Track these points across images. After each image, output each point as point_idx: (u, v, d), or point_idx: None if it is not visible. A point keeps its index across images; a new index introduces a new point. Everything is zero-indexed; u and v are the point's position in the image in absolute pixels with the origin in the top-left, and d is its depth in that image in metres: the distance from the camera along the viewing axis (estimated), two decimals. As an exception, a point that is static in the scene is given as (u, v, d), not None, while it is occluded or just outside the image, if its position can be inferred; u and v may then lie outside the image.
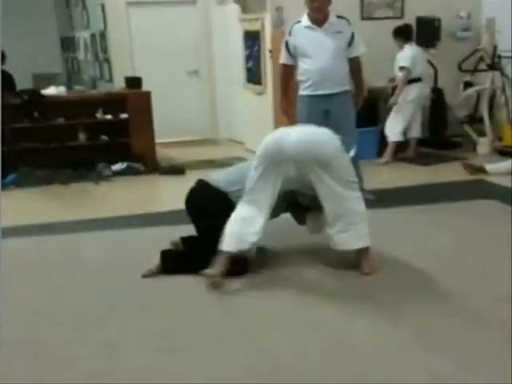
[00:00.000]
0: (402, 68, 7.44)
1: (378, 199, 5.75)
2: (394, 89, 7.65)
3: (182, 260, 4.12)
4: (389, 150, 7.63)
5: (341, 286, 3.82)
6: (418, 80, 7.58)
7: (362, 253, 4.00)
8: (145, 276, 4.07)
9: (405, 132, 7.71)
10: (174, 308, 3.61)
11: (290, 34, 5.59)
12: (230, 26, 9.11)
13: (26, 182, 7.15)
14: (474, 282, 3.78)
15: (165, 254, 4.12)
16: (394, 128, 7.62)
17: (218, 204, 4.07)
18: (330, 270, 4.05)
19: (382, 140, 7.93)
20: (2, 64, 7.90)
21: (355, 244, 3.96)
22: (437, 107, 8.27)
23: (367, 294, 3.67)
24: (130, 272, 4.13)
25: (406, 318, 3.31)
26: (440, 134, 8.33)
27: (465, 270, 3.99)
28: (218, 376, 2.83)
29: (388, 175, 7.07)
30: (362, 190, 5.75)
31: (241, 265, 3.99)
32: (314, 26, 5.46)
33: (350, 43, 5.51)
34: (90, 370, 2.93)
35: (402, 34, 7.60)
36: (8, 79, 7.90)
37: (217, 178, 4.26)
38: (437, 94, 8.24)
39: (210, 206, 4.11)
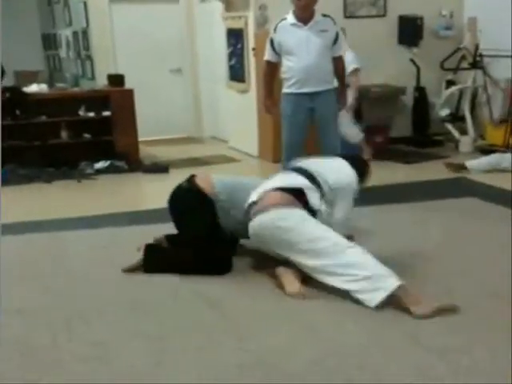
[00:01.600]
0: (355, 70, 7.01)
1: (361, 197, 5.75)
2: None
3: (165, 257, 4.12)
4: (366, 147, 7.43)
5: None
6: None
7: None
8: (125, 271, 4.06)
9: None
10: (163, 307, 3.59)
11: (275, 30, 5.59)
12: (214, 23, 9.10)
13: (9, 179, 7.09)
14: (460, 277, 3.81)
15: (149, 248, 4.11)
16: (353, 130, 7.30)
17: (201, 207, 4.09)
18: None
19: (366, 138, 7.95)
20: None
21: None
22: (419, 106, 8.33)
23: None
24: (115, 270, 4.10)
25: (395, 318, 3.32)
26: (422, 132, 8.38)
27: (450, 266, 4.02)
28: (208, 376, 2.82)
29: (371, 174, 7.06)
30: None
31: (225, 263, 4.01)
32: (300, 24, 5.46)
33: (335, 42, 5.53)
34: (78, 371, 2.91)
35: None
36: None
37: (220, 183, 4.24)
38: (419, 93, 8.29)
39: (192, 209, 4.12)
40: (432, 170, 6.96)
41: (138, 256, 4.08)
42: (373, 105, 8.13)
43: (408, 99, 8.39)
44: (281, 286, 3.71)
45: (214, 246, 4.02)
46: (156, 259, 4.07)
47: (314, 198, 3.95)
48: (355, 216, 4.43)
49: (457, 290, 3.62)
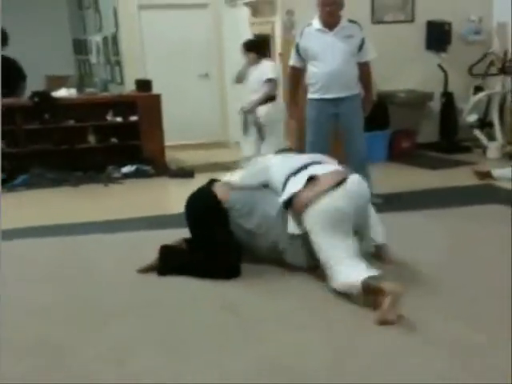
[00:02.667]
0: (269, 80, 6.85)
1: (386, 203, 5.74)
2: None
3: (178, 259, 4.15)
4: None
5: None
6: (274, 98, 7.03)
7: None
8: (140, 271, 4.12)
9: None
10: (180, 310, 3.62)
11: (300, 36, 5.60)
12: (241, 29, 9.12)
13: (37, 183, 7.19)
14: (483, 284, 3.78)
15: (164, 250, 4.16)
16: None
17: (215, 215, 4.09)
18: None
19: (392, 143, 7.94)
20: (4, 45, 7.75)
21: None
22: (447, 111, 8.25)
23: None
24: (137, 274, 4.15)
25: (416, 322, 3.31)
26: (450, 138, 8.31)
27: (473, 272, 3.99)
28: (222, 378, 2.84)
29: (397, 179, 7.04)
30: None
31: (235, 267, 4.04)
32: (326, 30, 5.47)
33: (361, 48, 5.52)
34: (95, 371, 2.94)
35: (255, 49, 7.07)
36: (13, 67, 7.77)
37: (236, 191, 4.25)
38: (447, 98, 8.22)
39: (206, 216, 4.12)
40: (458, 177, 6.89)
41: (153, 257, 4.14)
42: (400, 110, 8.11)
43: (435, 105, 8.32)
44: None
45: (225, 250, 4.03)
46: (170, 261, 4.11)
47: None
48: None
49: (478, 300, 3.59)
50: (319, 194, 3.74)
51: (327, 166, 4.06)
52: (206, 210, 4.13)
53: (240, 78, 7.21)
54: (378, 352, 3.01)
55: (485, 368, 2.82)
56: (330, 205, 3.71)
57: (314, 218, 3.74)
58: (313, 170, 3.93)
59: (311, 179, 3.84)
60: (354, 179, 3.90)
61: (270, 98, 6.92)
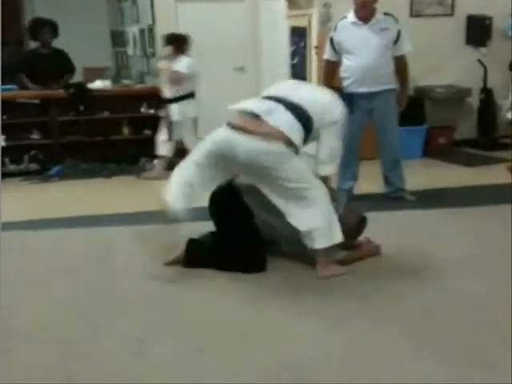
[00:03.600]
0: (181, 76, 6.92)
1: (420, 200, 5.65)
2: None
3: (203, 252, 4.14)
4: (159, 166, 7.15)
5: (364, 283, 3.79)
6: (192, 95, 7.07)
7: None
8: (167, 264, 4.13)
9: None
10: (200, 304, 3.59)
11: (335, 29, 5.55)
12: (278, 22, 9.06)
13: (70, 174, 7.24)
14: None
15: (190, 243, 4.16)
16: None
17: (238, 207, 4.08)
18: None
19: (428, 139, 7.81)
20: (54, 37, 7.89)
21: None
22: (486, 108, 8.08)
23: (393, 294, 3.60)
24: (163, 266, 4.14)
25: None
26: (488, 134, 8.14)
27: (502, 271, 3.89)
28: (242, 376, 2.80)
29: (432, 176, 6.92)
30: (403, 190, 5.70)
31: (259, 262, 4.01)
32: (360, 23, 5.40)
33: (396, 41, 5.44)
34: (112, 363, 2.93)
35: (173, 43, 7.14)
36: (66, 60, 7.94)
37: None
38: (486, 94, 8.05)
39: (230, 208, 4.12)
40: (495, 174, 6.72)
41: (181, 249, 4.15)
42: (437, 106, 7.98)
43: (474, 101, 8.16)
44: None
45: (249, 244, 4.02)
46: (195, 254, 4.11)
47: (296, 136, 3.87)
48: (409, 219, 4.34)
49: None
50: None
51: None
52: (228, 202, 4.10)
53: (155, 71, 7.12)
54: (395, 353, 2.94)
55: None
56: None
57: None
58: None
59: None
60: None
61: (187, 95, 6.88)
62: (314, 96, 4.09)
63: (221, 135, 4.06)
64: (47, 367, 2.92)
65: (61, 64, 7.79)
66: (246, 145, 3.80)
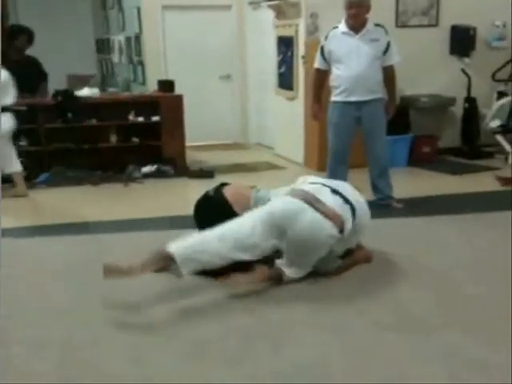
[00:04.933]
0: None
1: (407, 208, 5.73)
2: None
3: None
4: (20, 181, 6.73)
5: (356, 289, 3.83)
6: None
7: None
8: (156, 271, 4.07)
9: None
10: (201, 311, 3.62)
11: (326, 38, 5.62)
12: (264, 31, 9.14)
13: (58, 181, 7.23)
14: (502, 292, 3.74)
15: None
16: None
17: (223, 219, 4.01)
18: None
19: (413, 148, 7.90)
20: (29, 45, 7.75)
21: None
22: (469, 116, 8.20)
23: (394, 304, 3.65)
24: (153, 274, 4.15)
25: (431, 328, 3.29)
26: (472, 143, 8.26)
27: (490, 279, 3.95)
28: (243, 380, 2.84)
29: (418, 184, 7.01)
30: (391, 198, 5.78)
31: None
32: (351, 33, 5.48)
33: (386, 51, 5.52)
34: (115, 373, 2.95)
35: None
36: (33, 65, 7.78)
37: (256, 197, 4.19)
38: (470, 103, 8.17)
39: (214, 219, 4.03)
40: (480, 182, 6.84)
41: None
42: (422, 115, 8.09)
43: (458, 110, 8.27)
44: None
45: None
46: None
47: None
48: (395, 226, 4.41)
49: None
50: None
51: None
52: (217, 215, 4.04)
53: None
54: (394, 358, 2.99)
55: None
56: None
57: None
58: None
59: None
60: None
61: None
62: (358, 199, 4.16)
63: (289, 203, 3.87)
64: (44, 374, 2.93)
65: (33, 72, 7.73)
66: (309, 218, 3.76)
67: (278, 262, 3.85)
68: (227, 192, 4.22)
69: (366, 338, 3.21)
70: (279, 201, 3.94)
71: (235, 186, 4.32)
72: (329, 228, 3.77)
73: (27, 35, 7.63)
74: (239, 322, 3.45)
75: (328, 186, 4.04)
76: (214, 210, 4.18)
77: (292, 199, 3.87)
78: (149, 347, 3.16)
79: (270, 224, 3.74)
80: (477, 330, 3.25)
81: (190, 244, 3.73)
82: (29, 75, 7.47)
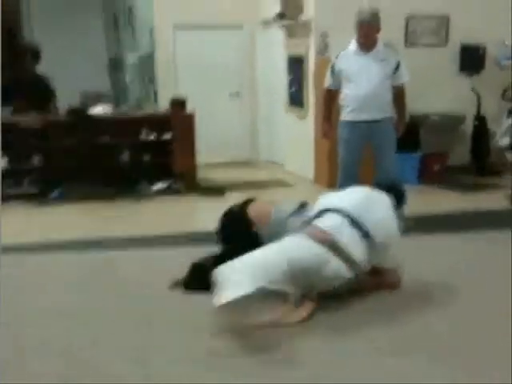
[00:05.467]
0: None
1: (417, 225, 5.73)
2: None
3: (204, 277, 4.18)
4: None
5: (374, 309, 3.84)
6: None
7: None
8: (170, 287, 4.16)
9: None
10: (207, 326, 3.65)
11: (336, 57, 5.67)
12: (275, 49, 9.22)
13: (69, 198, 7.30)
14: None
15: (193, 267, 4.21)
16: None
17: (245, 234, 4.12)
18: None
19: (423, 166, 7.93)
20: (36, 63, 7.90)
21: None
22: (479, 134, 8.23)
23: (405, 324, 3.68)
24: (164, 290, 4.20)
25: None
26: (482, 161, 8.28)
27: (500, 297, 3.96)
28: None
29: (428, 201, 7.03)
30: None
31: None
32: (362, 52, 5.53)
33: (395, 71, 5.57)
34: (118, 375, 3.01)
35: None
36: (41, 83, 7.90)
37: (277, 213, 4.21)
38: (479, 121, 8.20)
39: (237, 235, 4.16)
40: (489, 200, 6.85)
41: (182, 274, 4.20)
42: (431, 132, 8.11)
43: (467, 128, 8.30)
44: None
45: None
46: (196, 278, 4.15)
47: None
48: (409, 244, 4.41)
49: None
50: None
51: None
52: (234, 233, 4.16)
53: None
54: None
55: None
56: None
57: None
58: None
59: None
60: None
61: None
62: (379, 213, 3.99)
63: (310, 254, 3.71)
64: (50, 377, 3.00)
65: (42, 90, 7.83)
66: (333, 268, 3.69)
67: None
68: (250, 208, 4.25)
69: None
70: (298, 248, 3.73)
71: (258, 203, 4.35)
72: (347, 273, 3.71)
73: (31, 53, 7.72)
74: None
75: (348, 216, 3.85)
76: (234, 226, 4.24)
77: (312, 245, 3.70)
78: (152, 361, 3.20)
79: (291, 274, 3.58)
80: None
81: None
82: (37, 93, 7.58)
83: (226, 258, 4.20)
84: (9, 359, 3.21)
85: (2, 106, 7.98)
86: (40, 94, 7.75)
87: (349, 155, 5.71)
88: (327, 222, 3.84)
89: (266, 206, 4.35)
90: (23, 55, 7.74)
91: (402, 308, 3.84)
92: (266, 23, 9.29)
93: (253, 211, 4.22)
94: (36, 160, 7.54)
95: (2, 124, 7.35)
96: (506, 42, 8.24)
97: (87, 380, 2.99)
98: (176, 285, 4.21)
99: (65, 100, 8.37)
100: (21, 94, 7.50)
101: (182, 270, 4.26)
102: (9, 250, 5.19)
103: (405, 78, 5.66)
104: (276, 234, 4.03)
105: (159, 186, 7.71)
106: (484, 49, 8.14)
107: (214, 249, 4.42)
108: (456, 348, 3.28)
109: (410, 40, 8.05)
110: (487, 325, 3.56)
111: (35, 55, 7.77)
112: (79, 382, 2.97)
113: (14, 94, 7.58)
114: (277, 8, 8.61)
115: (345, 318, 3.69)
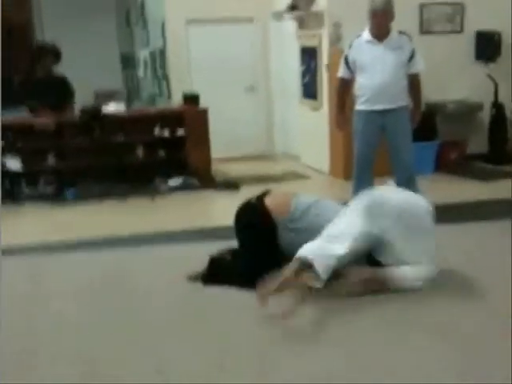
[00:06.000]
0: None
1: (434, 215, 5.65)
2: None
3: (223, 270, 4.19)
4: None
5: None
6: None
7: None
8: (189, 278, 4.21)
9: None
10: (224, 322, 3.61)
11: (350, 47, 5.60)
12: (287, 41, 9.16)
13: (85, 196, 7.29)
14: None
15: (212, 261, 4.22)
16: None
17: (259, 230, 4.10)
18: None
19: (440, 154, 7.84)
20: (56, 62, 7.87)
21: None
22: (497, 122, 8.13)
23: (414, 313, 3.62)
24: (181, 286, 4.17)
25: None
26: (499, 149, 8.17)
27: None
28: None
29: (446, 191, 6.94)
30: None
31: None
32: (375, 41, 5.45)
33: (410, 59, 5.49)
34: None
35: None
36: (63, 85, 7.90)
37: (297, 204, 4.14)
38: (497, 109, 8.09)
39: (254, 227, 4.12)
40: (508, 189, 6.74)
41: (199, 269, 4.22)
42: (448, 121, 8.02)
43: (485, 115, 8.20)
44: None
45: (270, 263, 3.96)
46: (215, 272, 4.17)
47: None
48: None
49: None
50: None
51: None
52: (250, 225, 4.13)
53: None
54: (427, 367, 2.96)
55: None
56: None
57: None
58: None
59: None
60: None
61: None
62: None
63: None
64: None
65: (61, 90, 7.83)
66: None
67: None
68: (268, 200, 4.20)
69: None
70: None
71: (276, 194, 4.29)
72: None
73: (53, 54, 7.74)
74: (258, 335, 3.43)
75: None
76: (252, 218, 4.18)
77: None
78: (172, 359, 3.16)
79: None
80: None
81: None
82: (55, 93, 7.59)
83: (243, 251, 4.21)
84: (20, 367, 3.17)
85: (17, 106, 8.03)
86: (60, 94, 7.75)
87: (364, 146, 5.64)
88: None
89: (285, 196, 4.30)
90: (43, 55, 7.74)
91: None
92: (278, 15, 9.21)
93: (271, 202, 4.16)
94: (51, 160, 7.54)
95: (17, 125, 7.39)
96: (522, 28, 8.12)
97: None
98: (195, 279, 4.22)
99: (78, 99, 8.35)
100: (41, 95, 7.50)
101: (199, 265, 4.25)
102: (25, 250, 5.20)
103: (420, 66, 5.57)
104: (296, 224, 4.02)
105: (174, 182, 7.68)
106: (499, 35, 8.01)
107: (232, 243, 4.40)
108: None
109: (424, 28, 7.95)
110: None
111: (56, 55, 7.78)
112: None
113: (34, 94, 7.58)
114: (288, -1, 8.54)
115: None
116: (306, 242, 3.78)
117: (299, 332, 3.44)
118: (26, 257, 5.07)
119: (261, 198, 4.24)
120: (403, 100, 5.57)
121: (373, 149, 5.64)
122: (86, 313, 3.87)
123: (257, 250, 4.10)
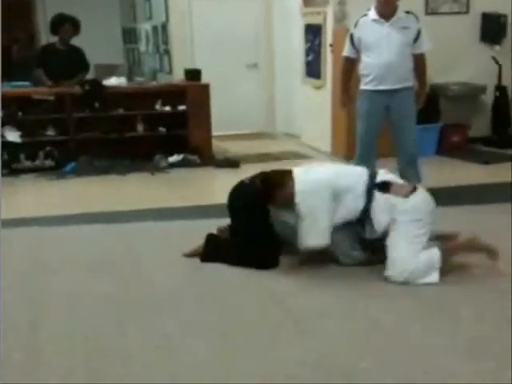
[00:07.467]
0: None
1: (436, 198, 5.62)
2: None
3: (219, 248, 4.21)
4: None
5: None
6: None
7: None
8: (186, 255, 4.24)
9: None
10: (227, 301, 3.61)
11: (355, 26, 5.54)
12: (292, 19, 9.07)
13: (85, 171, 7.24)
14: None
15: (208, 238, 4.25)
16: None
17: (253, 211, 4.10)
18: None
19: (442, 137, 7.80)
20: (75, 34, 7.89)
21: None
22: (500, 105, 8.08)
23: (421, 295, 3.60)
24: (182, 263, 4.17)
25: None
26: (503, 132, 8.13)
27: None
28: (269, 370, 2.81)
29: (448, 173, 6.92)
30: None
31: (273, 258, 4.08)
32: (382, 20, 5.39)
33: (416, 39, 5.43)
34: (141, 361, 2.95)
35: None
36: (81, 57, 7.91)
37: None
38: (500, 92, 8.04)
39: (248, 206, 4.12)
40: (509, 172, 6.72)
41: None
42: (451, 103, 7.96)
43: (488, 98, 8.14)
44: None
45: (264, 241, 4.06)
46: (212, 249, 4.19)
47: None
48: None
49: None
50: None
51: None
52: (248, 203, 4.11)
53: None
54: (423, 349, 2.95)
55: None
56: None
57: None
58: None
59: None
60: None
61: None
62: None
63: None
64: (75, 366, 2.94)
65: (76, 62, 7.79)
66: None
67: None
68: (262, 180, 4.17)
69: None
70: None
71: (271, 173, 4.25)
72: None
73: (72, 25, 7.71)
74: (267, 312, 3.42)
75: None
76: (245, 198, 4.17)
77: None
78: (175, 337, 3.14)
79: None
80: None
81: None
82: (71, 64, 7.57)
83: (236, 231, 4.20)
84: (29, 347, 3.14)
85: (26, 78, 7.97)
86: (75, 65, 7.74)
87: (368, 127, 5.60)
88: None
89: (278, 176, 4.26)
90: (62, 26, 7.69)
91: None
92: (283, -8, 9.13)
93: (264, 182, 4.12)
94: (51, 132, 7.49)
95: (17, 97, 7.33)
96: (528, 11, 8.04)
97: (113, 368, 2.91)
98: (192, 254, 4.25)
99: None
100: (59, 65, 7.48)
101: (197, 241, 4.26)
102: (24, 222, 5.18)
103: (426, 46, 5.52)
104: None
105: (174, 158, 7.63)
106: (505, 17, 7.94)
107: (228, 220, 4.38)
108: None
109: (430, 8, 7.87)
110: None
111: (75, 26, 7.74)
112: (105, 370, 2.90)
113: (52, 64, 7.61)
114: (293, -25, 8.45)
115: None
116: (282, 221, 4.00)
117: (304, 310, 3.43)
118: (25, 229, 5.04)
119: (254, 179, 4.22)
120: (409, 80, 5.52)
121: (376, 129, 5.60)
122: (86, 285, 3.87)
123: (251, 230, 4.11)
